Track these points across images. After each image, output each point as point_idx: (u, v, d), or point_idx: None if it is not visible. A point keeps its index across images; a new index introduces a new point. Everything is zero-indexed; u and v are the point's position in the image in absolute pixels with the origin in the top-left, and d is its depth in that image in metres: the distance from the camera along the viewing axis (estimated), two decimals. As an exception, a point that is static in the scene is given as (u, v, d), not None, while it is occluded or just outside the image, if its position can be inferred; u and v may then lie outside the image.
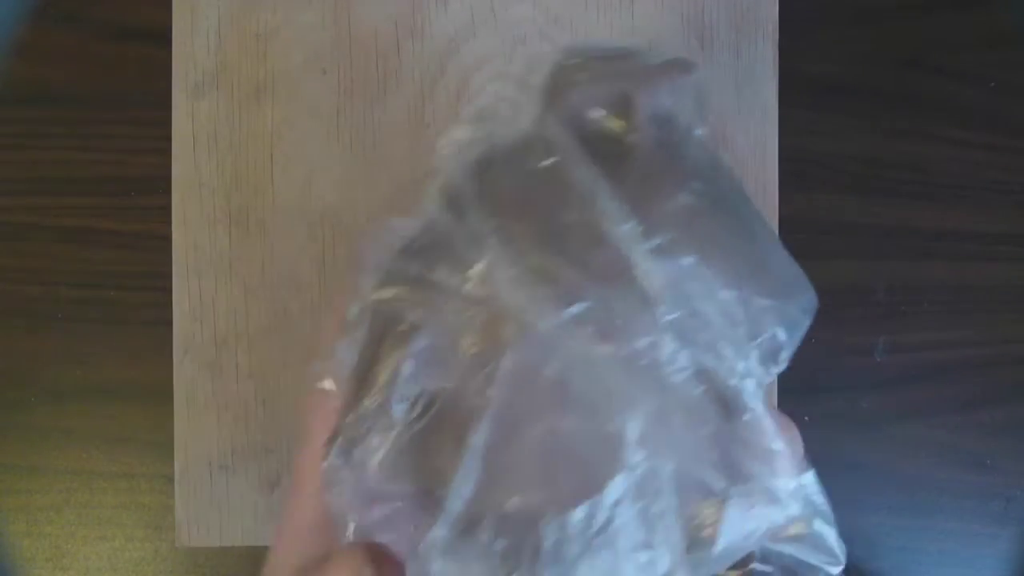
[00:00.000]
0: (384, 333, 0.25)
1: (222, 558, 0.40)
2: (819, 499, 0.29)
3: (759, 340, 0.26)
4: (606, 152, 0.26)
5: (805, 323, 0.27)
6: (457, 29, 0.40)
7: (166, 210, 0.40)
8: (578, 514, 0.23)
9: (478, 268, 0.25)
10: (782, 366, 0.27)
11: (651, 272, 0.24)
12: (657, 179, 0.26)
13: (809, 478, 0.28)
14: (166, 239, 0.40)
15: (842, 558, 0.29)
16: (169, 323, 0.39)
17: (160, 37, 0.40)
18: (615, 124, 0.27)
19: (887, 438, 0.41)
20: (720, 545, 0.25)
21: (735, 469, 0.25)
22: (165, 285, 0.40)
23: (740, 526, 0.25)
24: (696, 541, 0.25)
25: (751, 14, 0.41)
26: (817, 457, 0.35)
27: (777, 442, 0.25)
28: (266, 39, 0.40)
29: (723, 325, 0.25)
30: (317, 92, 0.40)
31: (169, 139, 0.40)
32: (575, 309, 0.24)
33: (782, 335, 0.26)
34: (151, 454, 0.40)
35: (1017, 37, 0.42)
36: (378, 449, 0.24)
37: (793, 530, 0.28)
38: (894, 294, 0.41)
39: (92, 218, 0.40)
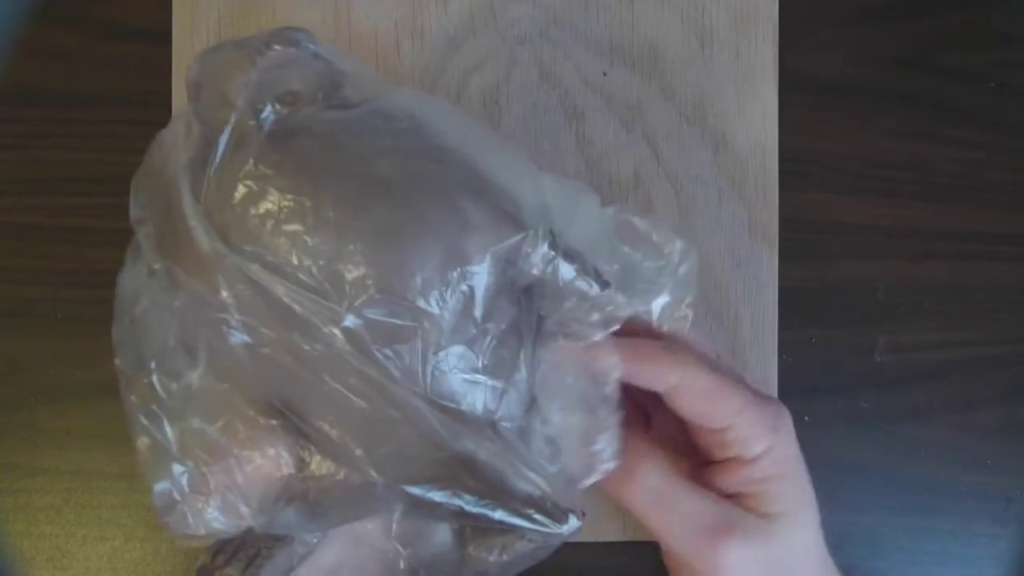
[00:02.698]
0: None
1: (222, 558, 0.40)
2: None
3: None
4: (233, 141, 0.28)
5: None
6: (457, 29, 0.40)
7: (166, 210, 0.40)
8: None
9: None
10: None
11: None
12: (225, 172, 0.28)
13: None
14: (166, 239, 0.40)
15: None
16: (169, 323, 0.39)
17: (160, 37, 0.40)
18: (223, 112, 0.28)
19: (887, 438, 0.40)
20: None
21: None
22: (165, 285, 0.39)
23: None
24: None
25: (751, 14, 0.41)
26: (818, 457, 0.35)
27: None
28: (266, 39, 0.40)
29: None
30: (317, 92, 0.40)
31: (169, 139, 0.40)
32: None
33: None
34: (151, 454, 0.40)
35: (1017, 37, 0.42)
36: None
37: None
38: (894, 294, 0.41)
39: (92, 218, 0.40)
